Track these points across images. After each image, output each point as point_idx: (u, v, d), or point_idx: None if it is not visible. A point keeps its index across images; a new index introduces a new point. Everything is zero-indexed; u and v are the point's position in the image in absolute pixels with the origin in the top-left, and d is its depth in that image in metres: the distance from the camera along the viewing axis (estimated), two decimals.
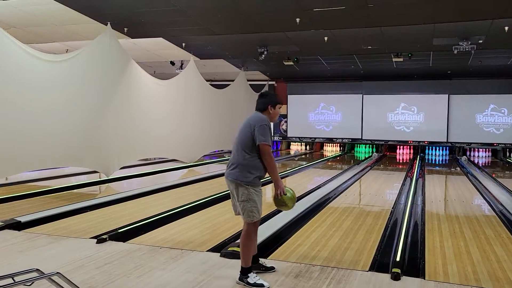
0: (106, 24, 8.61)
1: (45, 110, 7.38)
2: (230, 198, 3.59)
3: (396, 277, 3.45)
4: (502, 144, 16.47)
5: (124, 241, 4.46)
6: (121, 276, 3.49)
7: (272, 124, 3.59)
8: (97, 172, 9.06)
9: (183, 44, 11.33)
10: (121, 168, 9.24)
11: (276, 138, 18.94)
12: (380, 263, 3.91)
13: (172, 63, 14.02)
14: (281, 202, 3.46)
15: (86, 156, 8.27)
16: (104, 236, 4.51)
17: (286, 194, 3.44)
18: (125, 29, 9.66)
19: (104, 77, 8.43)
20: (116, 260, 3.88)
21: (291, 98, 18.53)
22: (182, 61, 13.91)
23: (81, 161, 8.40)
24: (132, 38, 10.52)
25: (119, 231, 4.80)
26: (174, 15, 8.71)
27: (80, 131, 7.99)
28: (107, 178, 8.75)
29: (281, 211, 4.54)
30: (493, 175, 11.07)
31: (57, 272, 2.57)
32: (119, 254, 4.05)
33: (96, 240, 4.44)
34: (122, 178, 9.24)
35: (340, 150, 18.78)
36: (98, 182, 8.74)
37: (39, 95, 7.28)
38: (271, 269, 3.63)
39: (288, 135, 18.99)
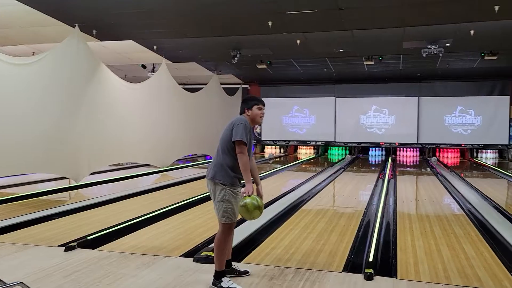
0: (74, 26, 8.41)
1: (10, 115, 7.14)
2: (203, 203, 3.53)
3: (369, 277, 3.48)
4: (469, 144, 16.97)
5: (93, 249, 4.33)
6: (90, 284, 3.38)
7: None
8: (67, 178, 8.81)
9: (155, 47, 11.20)
10: (91, 174, 9.02)
11: None
12: (354, 264, 3.93)
13: (144, 66, 13.83)
14: (244, 206, 3.20)
15: (55, 162, 8.03)
16: (72, 244, 4.37)
17: (250, 195, 3.22)
18: (94, 31, 9.47)
19: (72, 80, 8.21)
20: (85, 268, 3.76)
21: (264, 101, 18.55)
22: (154, 64, 13.74)
23: (49, 168, 8.16)
24: (101, 40, 10.32)
25: (89, 238, 4.67)
26: (144, 17, 8.59)
27: (48, 137, 7.76)
28: (76, 184, 8.52)
29: None
30: (462, 175, 11.36)
31: (20, 282, 2.47)
32: (88, 261, 3.93)
33: (64, 248, 4.30)
34: (93, 184, 9.02)
35: (314, 153, 18.93)
36: (67, 189, 8.50)
37: (2, 100, 7.04)
38: (245, 273, 3.59)
39: (262, 138, 19.02)
